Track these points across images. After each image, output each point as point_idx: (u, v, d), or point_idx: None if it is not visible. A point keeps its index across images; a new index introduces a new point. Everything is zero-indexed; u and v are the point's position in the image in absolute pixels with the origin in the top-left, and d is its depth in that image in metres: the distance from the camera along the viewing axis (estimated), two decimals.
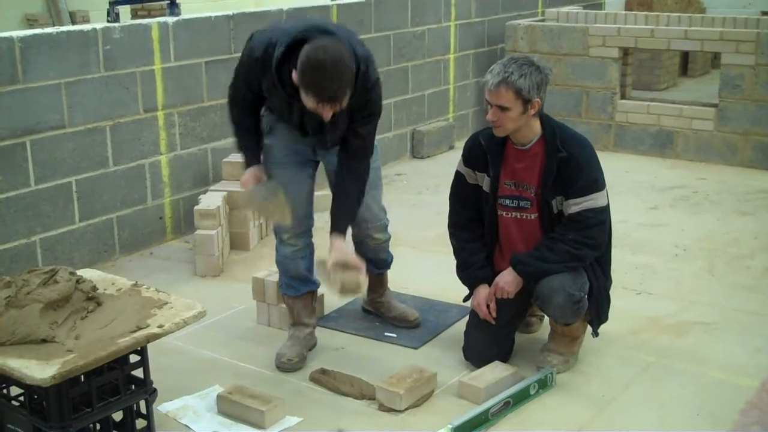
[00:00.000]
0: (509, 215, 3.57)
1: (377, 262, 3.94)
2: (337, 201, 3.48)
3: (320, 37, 3.19)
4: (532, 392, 3.43)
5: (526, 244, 3.55)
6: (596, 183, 3.43)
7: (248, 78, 3.42)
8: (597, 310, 3.58)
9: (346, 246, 3.42)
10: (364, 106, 3.39)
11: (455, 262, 3.75)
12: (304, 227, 3.67)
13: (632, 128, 7.26)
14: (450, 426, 3.12)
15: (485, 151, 3.53)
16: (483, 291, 3.62)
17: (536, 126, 3.45)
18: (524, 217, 3.54)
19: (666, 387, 3.54)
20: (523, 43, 7.56)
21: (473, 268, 3.66)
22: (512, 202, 3.54)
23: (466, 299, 3.80)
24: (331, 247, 3.37)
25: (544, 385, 3.49)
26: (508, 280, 3.50)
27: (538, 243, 3.49)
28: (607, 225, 3.51)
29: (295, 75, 3.16)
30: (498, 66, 3.35)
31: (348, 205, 3.48)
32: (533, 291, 3.50)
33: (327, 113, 3.20)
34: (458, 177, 3.68)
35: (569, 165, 3.39)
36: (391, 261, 4.06)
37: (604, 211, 3.46)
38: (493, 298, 3.57)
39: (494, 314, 3.59)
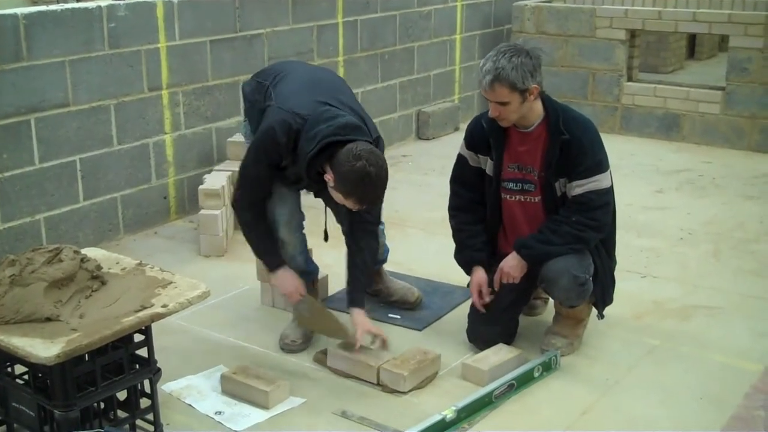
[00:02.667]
0: (513, 198, 3.55)
1: (375, 262, 3.90)
2: (352, 273, 3.55)
3: (353, 138, 3.22)
4: (536, 375, 3.43)
5: (530, 226, 3.53)
6: (600, 164, 3.41)
7: (271, 158, 3.44)
8: (602, 292, 3.58)
9: (365, 319, 3.53)
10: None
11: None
12: (295, 224, 3.66)
13: (638, 111, 7.22)
14: (454, 408, 3.12)
15: (488, 134, 3.51)
16: (479, 273, 3.61)
17: (538, 108, 3.42)
18: (528, 200, 3.53)
19: (670, 370, 3.54)
20: (530, 24, 7.52)
21: (470, 250, 3.64)
22: (516, 185, 3.53)
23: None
24: (355, 324, 3.49)
25: (548, 367, 3.49)
26: (512, 264, 3.49)
27: (541, 226, 3.48)
28: (612, 206, 3.49)
29: (329, 177, 3.24)
30: (488, 62, 3.29)
31: (363, 277, 3.56)
32: (538, 274, 3.49)
33: (356, 207, 3.30)
34: (461, 160, 3.66)
35: (572, 147, 3.37)
36: (387, 256, 4.06)
37: (608, 193, 3.45)
38: (499, 284, 3.56)
39: (487, 299, 3.59)
